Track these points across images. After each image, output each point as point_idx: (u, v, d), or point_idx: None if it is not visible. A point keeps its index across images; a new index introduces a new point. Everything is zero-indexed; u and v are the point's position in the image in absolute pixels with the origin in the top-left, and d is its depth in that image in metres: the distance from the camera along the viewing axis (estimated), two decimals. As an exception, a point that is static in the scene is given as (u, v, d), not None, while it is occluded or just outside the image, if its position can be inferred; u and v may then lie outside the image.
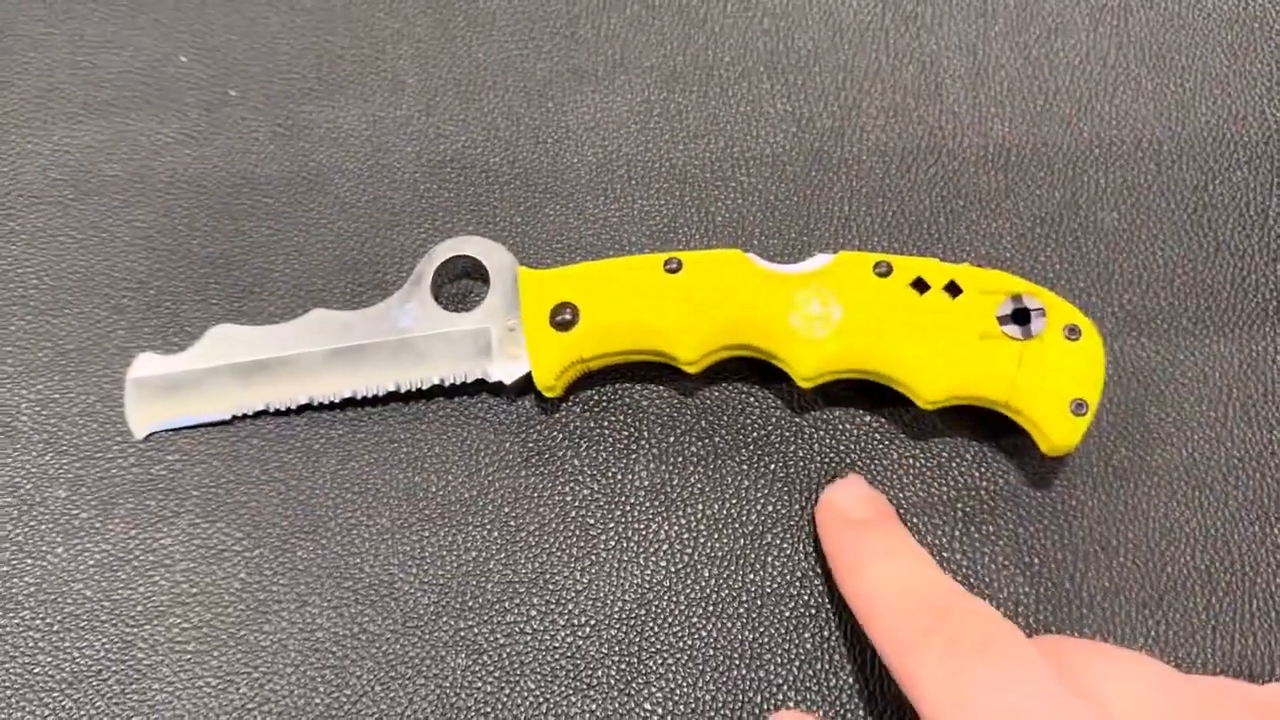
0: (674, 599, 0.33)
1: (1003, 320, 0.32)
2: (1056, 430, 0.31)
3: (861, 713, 0.32)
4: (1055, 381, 0.31)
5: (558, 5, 0.42)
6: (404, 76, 0.41)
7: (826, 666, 0.32)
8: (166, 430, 0.35)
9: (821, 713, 0.32)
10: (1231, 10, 0.40)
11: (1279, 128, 0.38)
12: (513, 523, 0.34)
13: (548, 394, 0.34)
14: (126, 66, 0.41)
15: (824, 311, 0.32)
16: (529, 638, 0.33)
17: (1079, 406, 0.31)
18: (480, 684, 0.32)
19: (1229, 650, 0.32)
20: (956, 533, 0.33)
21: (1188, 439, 0.34)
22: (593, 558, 0.34)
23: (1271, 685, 0.27)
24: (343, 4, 0.42)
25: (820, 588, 0.33)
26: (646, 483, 0.34)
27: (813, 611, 0.33)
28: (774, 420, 0.35)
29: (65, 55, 0.41)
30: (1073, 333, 0.31)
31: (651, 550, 0.34)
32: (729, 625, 0.33)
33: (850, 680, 0.32)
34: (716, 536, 0.34)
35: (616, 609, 0.33)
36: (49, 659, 0.33)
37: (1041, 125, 0.39)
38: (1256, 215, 0.37)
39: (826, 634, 0.33)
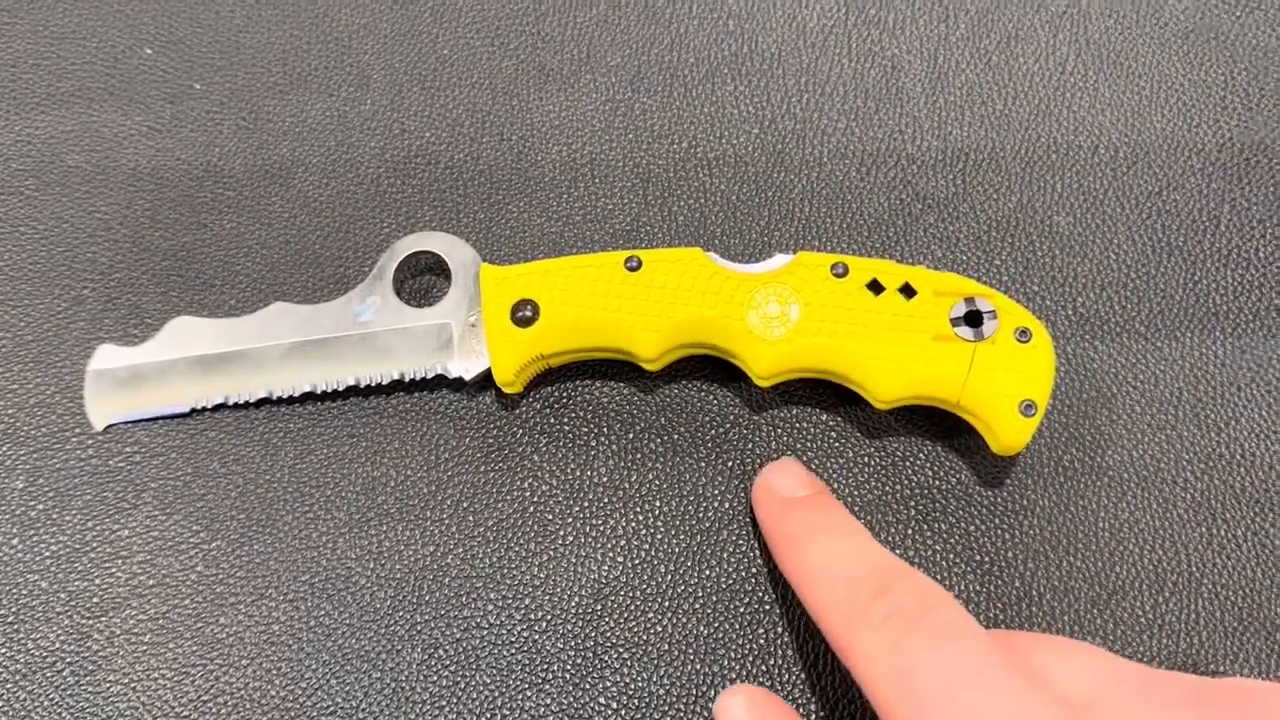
0: (630, 594, 0.33)
1: (955, 322, 0.32)
2: (1006, 430, 0.32)
3: (814, 706, 0.32)
4: (1005, 383, 0.32)
5: (524, 2, 0.42)
6: (369, 71, 0.41)
7: (779, 661, 0.33)
8: (125, 422, 0.35)
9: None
10: (1188, 20, 0.41)
11: (1232, 136, 0.39)
12: (471, 518, 0.34)
13: (508, 390, 0.35)
14: (90, 58, 0.41)
15: (782, 311, 0.33)
16: (485, 632, 0.33)
17: (1028, 407, 0.31)
18: (436, 678, 0.32)
19: (1175, 649, 0.33)
20: (909, 530, 0.34)
21: (1137, 440, 0.35)
22: (550, 553, 0.34)
23: (1215, 679, 0.27)
24: (309, -2, 0.42)
25: (774, 583, 0.33)
26: (605, 479, 0.35)
27: (766, 607, 0.33)
28: (732, 418, 0.35)
29: (29, 46, 0.41)
30: (1023, 335, 0.32)
31: (609, 546, 0.34)
32: (684, 620, 0.33)
33: (803, 675, 0.32)
34: (673, 533, 0.34)
35: (573, 604, 0.33)
36: (3, 650, 0.33)
37: (999, 130, 0.39)
38: (1209, 221, 0.38)
39: (780, 629, 0.33)
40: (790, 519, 0.32)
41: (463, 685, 0.32)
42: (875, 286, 0.33)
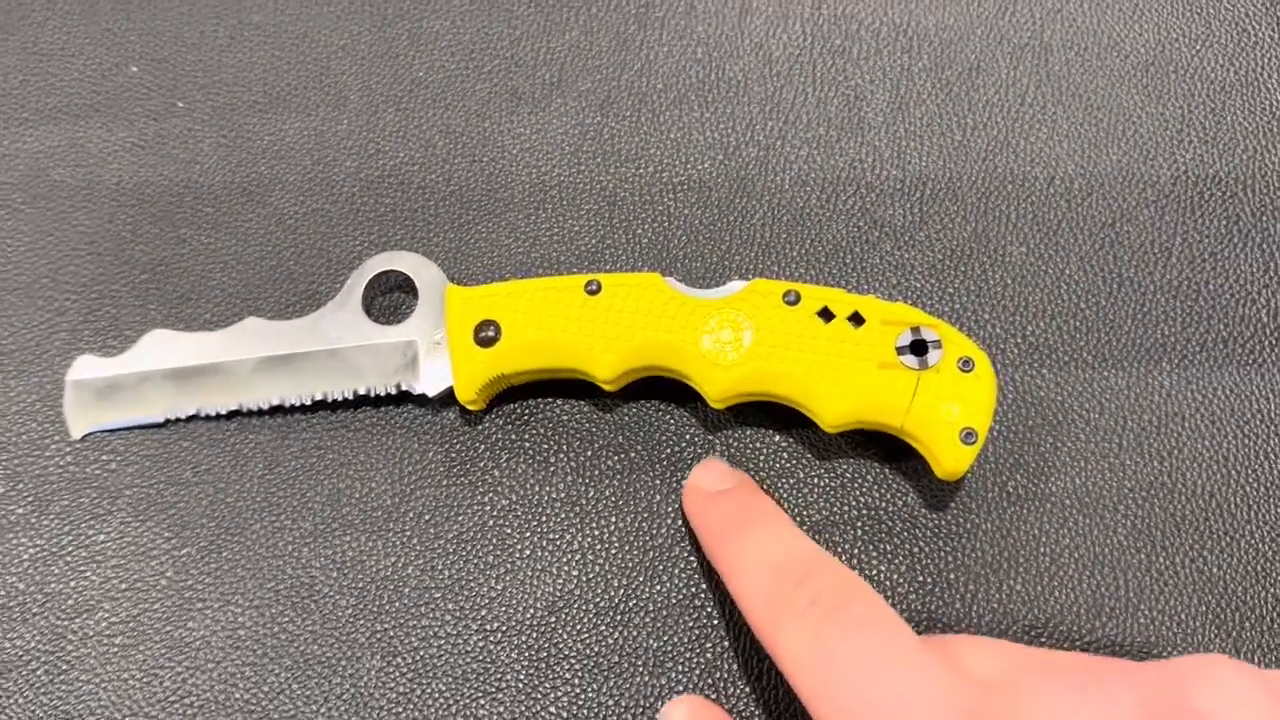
0: (584, 607, 0.34)
1: (901, 351, 0.33)
2: (947, 457, 0.33)
3: (758, 718, 0.33)
4: (947, 411, 0.32)
5: (499, 27, 0.43)
6: (346, 92, 0.42)
7: (726, 676, 0.34)
8: (102, 431, 0.37)
9: None
10: (1148, 53, 0.42)
11: (1186, 169, 0.40)
12: (432, 530, 0.35)
13: (470, 407, 0.36)
14: (77, 75, 0.42)
15: (734, 337, 0.34)
16: (442, 641, 0.34)
17: (969, 436, 0.32)
18: (393, 685, 0.34)
19: (1112, 670, 0.34)
20: (856, 550, 0.35)
21: (1081, 468, 0.36)
22: (508, 566, 0.35)
23: (1111, 659, 0.28)
24: (290, 19, 0.43)
25: (723, 599, 0.34)
26: (563, 494, 0.36)
27: (715, 622, 0.34)
28: (687, 438, 0.36)
29: (17, 61, 0.43)
30: (966, 365, 0.33)
31: (564, 560, 0.35)
32: (635, 634, 0.34)
33: (748, 689, 0.34)
34: (627, 548, 0.35)
35: (528, 616, 0.34)
36: (-22, 650, 0.34)
37: (957, 160, 0.40)
38: (1160, 254, 0.39)
39: (728, 644, 0.34)
40: (714, 511, 0.33)
41: (419, 693, 0.34)
42: (826, 314, 0.34)
